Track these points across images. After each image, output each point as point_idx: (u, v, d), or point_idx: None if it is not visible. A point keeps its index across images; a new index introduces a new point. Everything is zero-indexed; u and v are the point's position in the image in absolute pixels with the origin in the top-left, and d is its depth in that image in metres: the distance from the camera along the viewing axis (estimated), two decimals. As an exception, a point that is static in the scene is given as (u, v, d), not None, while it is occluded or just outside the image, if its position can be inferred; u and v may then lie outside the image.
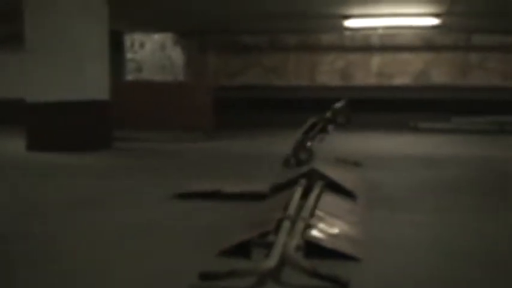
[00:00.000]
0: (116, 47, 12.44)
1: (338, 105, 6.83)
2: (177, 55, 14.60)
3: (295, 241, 2.77)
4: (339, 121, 6.71)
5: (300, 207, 3.38)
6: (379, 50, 13.74)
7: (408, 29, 12.57)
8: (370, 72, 13.95)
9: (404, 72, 13.71)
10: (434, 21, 11.00)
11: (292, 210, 3.23)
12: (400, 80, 13.74)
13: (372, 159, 7.19)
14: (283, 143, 7.03)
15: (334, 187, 4.17)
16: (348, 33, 13.33)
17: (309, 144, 6.30)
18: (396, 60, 13.73)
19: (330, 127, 6.64)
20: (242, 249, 2.92)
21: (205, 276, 2.48)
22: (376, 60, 13.85)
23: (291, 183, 4.03)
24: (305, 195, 3.72)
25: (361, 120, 13.16)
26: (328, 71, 14.14)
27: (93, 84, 8.35)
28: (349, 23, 11.60)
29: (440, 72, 13.57)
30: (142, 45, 14.80)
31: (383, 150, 8.75)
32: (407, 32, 13.06)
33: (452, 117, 12.73)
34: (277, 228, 2.94)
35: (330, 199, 3.85)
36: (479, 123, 12.60)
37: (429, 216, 4.01)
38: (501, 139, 10.95)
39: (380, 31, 12.78)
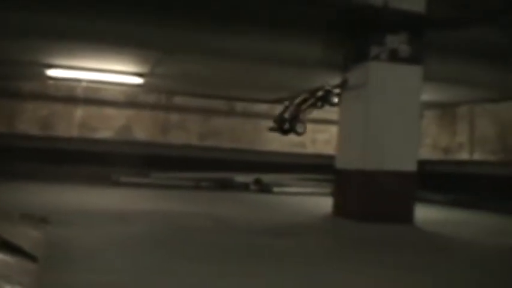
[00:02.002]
0: None
1: (330, 85, 6.45)
2: None
3: None
4: (332, 101, 6.38)
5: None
6: (83, 103, 13.66)
7: (113, 85, 12.78)
8: (73, 123, 13.72)
9: (107, 126, 13.81)
10: (138, 80, 11.38)
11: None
12: (103, 134, 13.79)
13: (67, 215, 6.96)
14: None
15: (11, 247, 3.89)
16: (51, 82, 12.98)
17: (301, 117, 5.85)
18: (100, 113, 13.78)
19: (320, 104, 6.26)
20: None
21: None
22: (79, 112, 13.70)
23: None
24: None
25: (61, 172, 12.84)
26: (28, 120, 13.49)
27: None
28: (52, 73, 11.31)
29: (142, 129, 14.02)
30: None
31: (81, 204, 8.56)
32: (112, 88, 13.26)
33: (152, 173, 13.18)
34: None
35: (2, 260, 3.58)
36: (177, 179, 13.28)
37: (119, 276, 3.98)
38: (195, 194, 11.69)
39: (84, 84, 12.74)
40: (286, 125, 6.57)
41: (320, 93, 6.98)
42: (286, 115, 6.92)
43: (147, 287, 3.72)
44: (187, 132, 14.28)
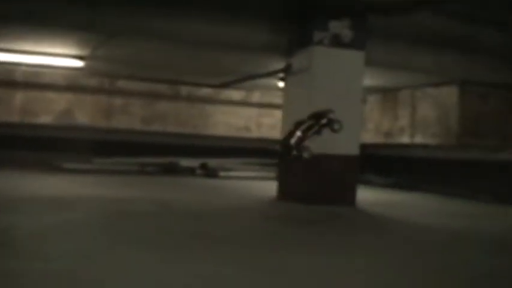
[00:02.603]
0: None
1: (332, 114, 6.64)
2: None
3: None
4: (336, 128, 6.85)
5: None
6: (23, 87, 13.25)
7: (53, 68, 12.43)
8: (13, 108, 13.32)
9: (48, 110, 13.47)
10: (78, 63, 11.12)
11: None
12: (44, 119, 13.45)
13: (8, 201, 6.81)
14: None
15: None
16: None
17: (306, 143, 6.12)
18: (40, 98, 13.42)
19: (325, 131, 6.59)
20: None
21: None
22: (19, 97, 13.30)
23: None
24: None
25: (1, 158, 12.46)
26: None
27: None
28: (-10, 56, 10.93)
29: (85, 114, 13.74)
30: None
31: (22, 191, 8.31)
32: (52, 71, 12.91)
33: (95, 158, 12.95)
34: None
35: None
36: (121, 164, 13.10)
37: (57, 263, 3.90)
38: (140, 179, 11.58)
39: (24, 67, 12.35)
40: (294, 152, 6.93)
41: (324, 121, 7.37)
42: (292, 141, 7.17)
43: (84, 272, 3.67)
44: (131, 116, 14.07)
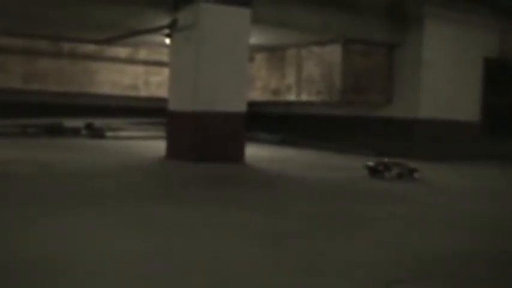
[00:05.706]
0: None
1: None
2: None
3: None
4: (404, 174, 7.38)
5: None
6: None
7: None
8: None
9: None
10: None
11: None
12: None
13: None
14: None
15: None
16: None
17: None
18: None
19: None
20: None
21: None
22: None
23: None
24: None
25: None
26: None
27: None
28: None
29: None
30: None
31: None
32: None
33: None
34: None
35: None
36: (1, 126, 12.41)
37: None
38: (21, 141, 11.05)
39: None
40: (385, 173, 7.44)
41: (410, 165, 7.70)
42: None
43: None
44: (9, 74, 13.24)
